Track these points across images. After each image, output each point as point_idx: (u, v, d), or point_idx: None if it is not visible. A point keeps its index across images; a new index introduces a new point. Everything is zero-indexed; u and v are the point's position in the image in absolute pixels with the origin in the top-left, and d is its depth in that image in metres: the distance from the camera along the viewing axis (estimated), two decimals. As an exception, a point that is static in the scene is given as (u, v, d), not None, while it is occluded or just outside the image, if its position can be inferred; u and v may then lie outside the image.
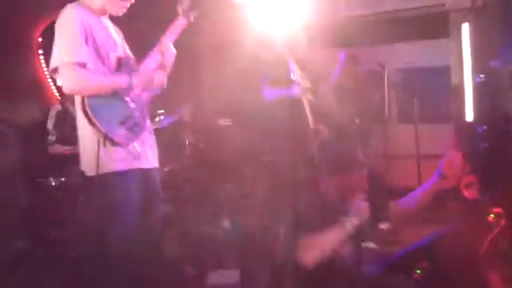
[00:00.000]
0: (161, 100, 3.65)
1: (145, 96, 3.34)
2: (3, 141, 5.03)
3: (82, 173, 4.64)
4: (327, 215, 3.20)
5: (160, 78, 3.41)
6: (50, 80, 5.94)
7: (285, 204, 4.79)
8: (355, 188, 3.27)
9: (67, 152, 5.06)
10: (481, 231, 3.42)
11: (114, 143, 3.10)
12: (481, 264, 3.38)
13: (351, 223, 3.11)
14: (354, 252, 3.23)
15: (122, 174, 3.16)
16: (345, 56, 6.70)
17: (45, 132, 5.33)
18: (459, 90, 7.54)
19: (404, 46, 7.96)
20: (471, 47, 7.46)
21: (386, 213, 3.36)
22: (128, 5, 3.34)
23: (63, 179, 4.94)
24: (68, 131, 5.02)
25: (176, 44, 3.54)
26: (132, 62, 3.44)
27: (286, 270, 3.27)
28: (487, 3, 7.35)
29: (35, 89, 5.89)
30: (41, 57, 5.98)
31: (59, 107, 5.43)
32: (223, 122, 6.65)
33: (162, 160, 3.58)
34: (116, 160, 3.13)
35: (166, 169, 5.38)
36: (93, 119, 3.05)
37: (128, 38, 3.59)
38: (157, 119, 5.28)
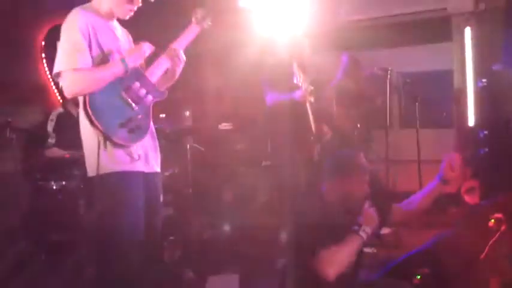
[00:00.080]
0: (163, 103, 3.65)
1: (150, 99, 3.32)
2: (6, 144, 5.04)
3: (82, 177, 4.68)
4: (329, 220, 3.20)
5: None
6: (52, 83, 5.95)
7: (287, 209, 4.80)
8: (357, 192, 3.27)
9: (67, 155, 5.06)
10: (482, 236, 3.41)
11: (114, 144, 3.10)
12: (481, 270, 3.38)
13: (365, 232, 3.11)
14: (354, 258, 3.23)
15: (121, 175, 3.16)
16: (347, 59, 6.70)
17: (47, 136, 5.33)
18: (461, 95, 7.53)
19: (407, 50, 7.95)
20: (473, 51, 7.46)
21: (388, 218, 3.36)
22: (135, 8, 3.34)
23: (63, 182, 4.95)
24: (68, 134, 5.02)
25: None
26: (139, 66, 3.44)
27: (289, 275, 3.27)
28: (489, 8, 7.35)
29: (38, 92, 5.91)
30: (44, 61, 6.00)
31: (60, 109, 5.43)
32: (222, 126, 6.65)
33: (163, 164, 3.59)
34: (115, 161, 3.13)
35: (167, 173, 5.38)
36: (94, 119, 3.06)
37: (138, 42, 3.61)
38: None
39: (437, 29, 7.72)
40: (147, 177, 3.30)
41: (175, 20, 3.57)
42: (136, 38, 3.58)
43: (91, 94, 3.09)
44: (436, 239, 3.63)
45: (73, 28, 3.12)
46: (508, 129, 6.35)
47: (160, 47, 3.47)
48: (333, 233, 3.13)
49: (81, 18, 3.15)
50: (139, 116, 3.21)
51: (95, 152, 3.10)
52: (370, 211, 3.20)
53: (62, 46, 3.13)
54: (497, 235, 3.34)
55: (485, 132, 6.58)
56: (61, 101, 5.70)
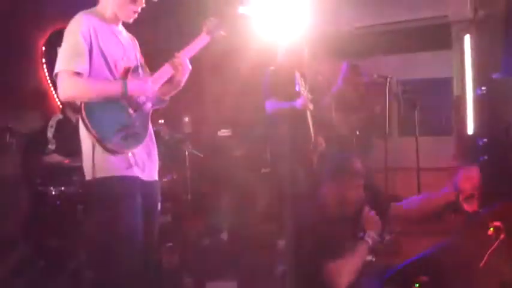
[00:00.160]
0: (162, 109, 3.65)
1: (149, 106, 3.31)
2: (6, 149, 5.04)
3: (81, 183, 4.67)
4: (328, 226, 3.20)
5: (155, 89, 3.32)
6: (52, 88, 5.96)
7: (286, 216, 4.80)
8: (352, 196, 3.28)
9: (66, 161, 5.05)
10: (481, 244, 3.41)
11: (107, 150, 3.10)
12: (480, 278, 3.38)
13: (371, 237, 3.12)
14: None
15: (117, 179, 3.15)
16: (347, 66, 6.71)
17: (47, 141, 5.33)
18: (461, 102, 7.54)
19: (406, 57, 7.97)
20: (473, 58, 7.47)
21: (387, 218, 3.37)
22: (139, 9, 3.33)
23: (62, 188, 4.94)
24: (67, 141, 5.01)
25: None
26: (141, 72, 3.43)
27: (288, 282, 3.28)
28: (489, 15, 7.36)
29: (38, 98, 5.91)
30: (45, 66, 6.00)
31: (59, 115, 5.43)
32: (221, 132, 6.65)
33: (162, 170, 3.58)
34: (110, 167, 3.13)
35: (165, 179, 5.38)
36: (89, 125, 3.05)
37: (146, 48, 3.61)
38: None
39: (437, 36, 7.73)
40: (144, 185, 3.29)
41: (183, 28, 3.57)
42: (143, 44, 3.58)
43: (88, 101, 3.10)
44: (435, 247, 3.62)
45: (75, 32, 3.13)
46: (507, 137, 6.36)
47: (167, 54, 3.45)
48: (333, 241, 3.14)
49: (84, 22, 3.16)
50: (137, 123, 3.20)
51: (90, 156, 3.10)
52: (371, 215, 3.21)
53: (62, 48, 3.14)
54: (496, 243, 3.34)
55: (485, 140, 6.59)
56: (60, 106, 5.70)
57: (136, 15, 3.36)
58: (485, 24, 7.37)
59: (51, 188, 4.96)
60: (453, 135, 7.67)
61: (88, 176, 3.17)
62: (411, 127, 6.34)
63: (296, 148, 5.15)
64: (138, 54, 3.50)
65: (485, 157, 6.36)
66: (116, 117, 3.13)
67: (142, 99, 3.26)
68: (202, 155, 5.81)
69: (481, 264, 3.30)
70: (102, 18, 3.27)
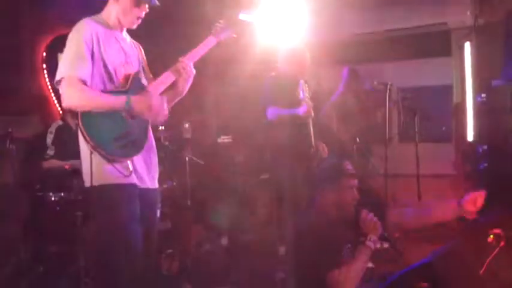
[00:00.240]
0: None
1: None
2: (6, 155, 5.04)
3: (81, 188, 4.67)
4: (327, 232, 3.20)
5: (162, 106, 3.27)
6: (53, 94, 5.96)
7: (286, 222, 4.80)
8: (347, 198, 3.29)
9: (66, 166, 5.05)
10: (481, 252, 3.40)
11: (104, 158, 3.09)
12: (480, 285, 3.37)
13: (372, 241, 3.12)
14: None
15: (115, 187, 3.15)
16: (348, 72, 6.72)
17: (46, 147, 5.33)
18: (460, 109, 7.55)
19: (407, 64, 7.99)
20: (473, 66, 7.49)
21: (384, 220, 3.37)
22: (143, 14, 3.34)
23: (62, 194, 4.94)
24: (67, 147, 5.01)
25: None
26: (143, 78, 3.42)
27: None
28: (489, 23, 7.38)
29: (39, 103, 5.91)
30: (45, 72, 6.00)
31: (59, 122, 5.43)
32: (222, 139, 6.65)
33: (162, 177, 3.57)
34: (106, 175, 3.12)
35: (165, 186, 5.37)
36: (84, 132, 3.06)
37: (148, 54, 3.61)
38: None
39: (437, 43, 7.76)
40: (143, 192, 3.28)
41: (184, 33, 3.56)
42: (148, 50, 3.58)
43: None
44: (435, 254, 3.62)
45: (78, 38, 3.14)
46: (507, 144, 6.36)
47: (170, 58, 3.44)
48: (333, 246, 3.14)
49: (87, 28, 3.17)
50: (135, 131, 3.19)
51: (88, 164, 3.10)
52: (369, 218, 3.21)
53: (66, 54, 3.15)
54: (496, 251, 3.34)
55: (485, 147, 6.59)
56: (61, 112, 5.70)
57: (139, 21, 3.36)
58: (485, 32, 7.38)
59: (51, 193, 4.95)
60: (453, 142, 7.68)
61: (87, 183, 3.17)
62: (411, 134, 6.34)
63: (296, 155, 5.14)
64: (142, 61, 3.49)
65: (485, 164, 6.36)
66: (113, 126, 3.13)
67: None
68: (202, 162, 5.80)
69: (481, 272, 3.29)
70: (106, 24, 3.28)
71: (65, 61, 3.13)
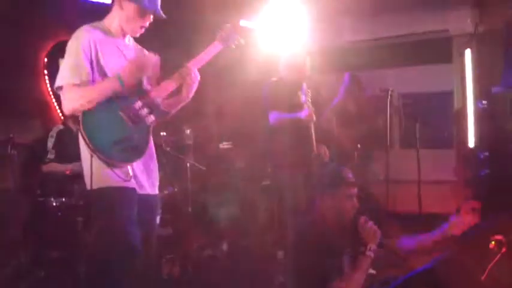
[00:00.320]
0: (164, 121, 3.63)
1: (152, 119, 3.27)
2: (7, 160, 5.04)
3: (82, 193, 4.68)
4: (326, 239, 3.20)
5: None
6: (54, 99, 5.97)
7: (286, 228, 4.80)
8: (346, 206, 3.28)
9: (67, 172, 5.05)
10: (482, 258, 3.40)
11: (104, 162, 3.09)
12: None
13: (371, 250, 3.11)
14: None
15: (114, 190, 3.14)
16: (349, 79, 6.73)
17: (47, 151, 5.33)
18: (461, 116, 7.56)
19: (408, 71, 7.99)
20: (473, 72, 7.51)
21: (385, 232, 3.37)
22: (147, 24, 3.33)
23: (63, 199, 4.94)
24: (68, 151, 5.02)
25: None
26: (145, 83, 3.40)
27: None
28: (490, 30, 7.40)
29: (40, 108, 5.92)
30: (46, 77, 6.01)
31: (60, 126, 5.44)
32: (223, 145, 6.65)
33: (163, 182, 3.57)
34: (106, 178, 3.12)
35: (166, 191, 5.37)
36: (84, 135, 3.06)
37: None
38: None
39: (438, 50, 7.77)
40: (142, 198, 3.28)
41: (189, 38, 3.55)
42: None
43: (87, 112, 3.10)
44: (435, 260, 3.61)
45: (76, 45, 3.15)
46: (507, 151, 6.36)
47: (175, 64, 3.43)
48: (332, 252, 3.13)
49: (86, 36, 3.17)
50: (136, 136, 3.19)
51: (89, 167, 3.10)
52: (369, 226, 3.21)
53: (64, 62, 3.16)
54: (498, 257, 3.33)
55: (486, 153, 6.60)
56: (62, 117, 5.71)
57: (143, 30, 3.36)
58: (486, 39, 7.41)
59: (52, 198, 4.96)
60: (454, 148, 7.68)
61: (88, 186, 3.18)
62: (412, 140, 6.34)
63: (298, 159, 5.15)
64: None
65: (486, 170, 6.36)
66: (113, 130, 3.13)
67: (145, 111, 3.24)
68: (204, 168, 5.80)
69: (483, 278, 3.28)
70: (107, 31, 3.27)
71: (64, 69, 3.14)
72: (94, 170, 3.10)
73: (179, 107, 3.51)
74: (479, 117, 7.32)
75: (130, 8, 3.25)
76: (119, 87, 3.13)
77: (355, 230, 3.25)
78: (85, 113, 3.09)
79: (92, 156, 3.07)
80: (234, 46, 3.53)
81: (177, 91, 3.43)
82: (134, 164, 3.23)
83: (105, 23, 3.31)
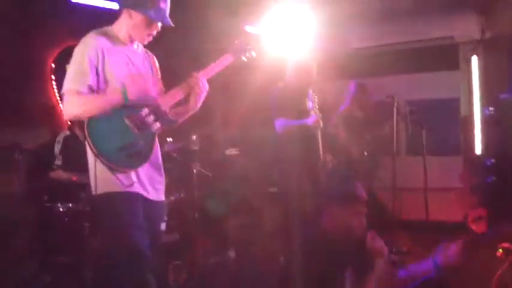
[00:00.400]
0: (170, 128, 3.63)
1: (157, 126, 3.26)
2: (14, 166, 5.06)
3: (89, 199, 4.68)
4: (333, 249, 3.19)
5: (166, 102, 3.28)
6: (61, 105, 5.99)
7: (293, 236, 4.79)
8: (354, 223, 3.26)
9: (74, 178, 5.06)
10: (490, 266, 3.40)
11: (107, 167, 3.10)
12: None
13: (380, 268, 3.10)
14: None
15: (118, 195, 3.14)
16: (356, 86, 6.72)
17: (54, 157, 5.35)
18: (468, 123, 7.55)
19: (414, 78, 8.00)
20: (480, 79, 7.51)
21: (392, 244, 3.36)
22: (154, 33, 3.34)
23: (70, 204, 4.95)
24: (74, 157, 5.03)
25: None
26: (152, 92, 3.40)
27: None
28: (496, 36, 7.40)
29: (47, 114, 5.93)
30: (54, 82, 6.04)
31: (67, 132, 5.45)
32: (229, 151, 6.65)
33: (169, 188, 3.56)
34: (110, 183, 3.12)
35: (173, 198, 5.38)
36: (89, 140, 3.07)
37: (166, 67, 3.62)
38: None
39: (444, 57, 7.78)
40: (147, 203, 3.27)
41: (192, 47, 3.55)
42: (162, 63, 3.58)
43: (92, 117, 3.11)
44: (444, 268, 3.60)
45: (82, 53, 3.15)
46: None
47: (182, 73, 3.43)
48: (337, 268, 3.13)
49: (93, 43, 3.18)
50: (141, 142, 3.19)
51: (93, 172, 3.11)
52: (376, 244, 3.19)
53: (69, 69, 3.17)
54: (506, 265, 3.33)
55: (493, 160, 6.58)
56: (69, 123, 5.72)
57: (151, 38, 3.37)
58: (493, 45, 7.41)
59: (59, 204, 4.97)
60: (461, 155, 7.67)
61: (93, 191, 3.18)
62: (419, 147, 6.34)
63: (305, 167, 5.14)
64: (154, 72, 3.49)
65: (494, 178, 6.35)
66: (118, 136, 3.13)
67: (151, 118, 3.24)
68: (210, 174, 5.80)
69: (490, 287, 3.28)
70: (115, 38, 3.28)
71: (68, 76, 3.15)
72: (98, 175, 3.11)
73: (187, 116, 3.51)
74: (486, 124, 7.31)
75: (137, 18, 3.26)
76: (122, 101, 3.13)
77: (361, 245, 3.23)
78: (90, 118, 3.10)
79: (96, 161, 3.08)
80: (245, 59, 3.53)
81: (185, 100, 3.43)
82: (139, 169, 3.23)
83: (113, 29, 3.33)
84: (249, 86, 6.22)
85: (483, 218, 6.17)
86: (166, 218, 4.90)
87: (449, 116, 7.82)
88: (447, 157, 7.68)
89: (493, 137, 7.08)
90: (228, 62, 3.48)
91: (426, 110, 6.86)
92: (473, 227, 6.26)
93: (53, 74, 6.05)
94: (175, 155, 5.55)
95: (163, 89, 3.46)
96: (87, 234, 4.78)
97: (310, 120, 5.16)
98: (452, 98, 7.84)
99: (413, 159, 7.06)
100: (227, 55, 3.48)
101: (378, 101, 6.62)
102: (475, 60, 7.56)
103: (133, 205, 3.18)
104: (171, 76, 3.53)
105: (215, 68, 3.44)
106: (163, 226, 3.49)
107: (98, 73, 3.16)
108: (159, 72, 3.57)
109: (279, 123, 5.25)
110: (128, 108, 3.17)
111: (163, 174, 3.46)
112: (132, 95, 3.13)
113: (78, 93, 3.10)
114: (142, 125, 3.19)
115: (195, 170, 5.65)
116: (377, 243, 3.18)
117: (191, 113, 3.50)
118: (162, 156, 3.48)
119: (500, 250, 3.36)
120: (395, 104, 6.12)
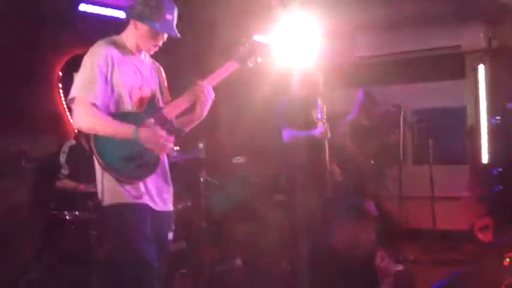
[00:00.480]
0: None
1: None
2: (21, 174, 5.07)
3: (96, 207, 4.68)
4: (340, 262, 3.19)
5: (168, 143, 3.20)
6: (68, 113, 6.00)
7: (298, 244, 4.78)
8: (364, 238, 3.25)
9: (81, 187, 5.06)
10: (497, 275, 3.38)
11: (115, 178, 3.09)
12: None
13: (390, 286, 3.10)
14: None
15: (126, 206, 3.12)
16: (363, 95, 6.72)
17: (60, 167, 5.35)
18: (475, 132, 7.54)
19: (421, 87, 7.99)
20: (487, 88, 7.50)
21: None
22: (160, 43, 3.35)
23: (77, 213, 4.95)
24: (80, 166, 5.04)
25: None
26: (160, 100, 3.40)
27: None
28: (503, 45, 7.40)
29: (54, 122, 5.94)
30: (61, 91, 6.05)
31: (72, 141, 5.45)
32: (236, 159, 6.64)
33: (176, 197, 3.56)
34: (118, 194, 3.12)
35: (180, 206, 5.37)
36: (95, 152, 3.07)
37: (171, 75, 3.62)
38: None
39: (451, 66, 7.78)
40: (154, 214, 3.26)
41: (205, 56, 3.54)
42: (169, 72, 3.58)
43: None
44: (451, 277, 3.60)
45: (91, 61, 3.15)
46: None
47: (188, 82, 3.42)
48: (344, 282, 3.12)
49: (102, 52, 3.18)
50: (148, 152, 3.18)
51: (101, 183, 3.11)
52: (384, 264, 3.18)
53: (79, 76, 3.16)
54: (513, 274, 3.31)
55: (500, 169, 6.57)
56: (76, 131, 5.73)
57: (157, 49, 3.37)
58: (499, 54, 7.40)
59: (66, 212, 4.97)
60: (468, 164, 7.65)
61: (101, 202, 3.18)
62: (425, 156, 6.33)
63: (311, 178, 5.12)
64: (161, 82, 3.49)
65: (501, 187, 6.33)
66: (124, 147, 3.10)
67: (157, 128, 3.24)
68: (217, 183, 5.80)
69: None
70: (123, 47, 3.29)
71: (78, 83, 3.14)
72: (106, 186, 3.11)
73: (193, 125, 3.51)
74: (493, 133, 7.29)
75: (143, 29, 3.27)
76: (130, 137, 3.11)
77: (368, 260, 3.22)
78: None
79: (103, 173, 3.08)
80: (251, 65, 3.52)
81: (191, 109, 3.42)
82: (147, 180, 3.23)
83: (122, 38, 3.33)
84: (256, 95, 6.23)
85: (490, 227, 6.15)
86: (174, 227, 4.89)
87: (455, 125, 7.80)
88: (454, 166, 7.65)
89: (500, 146, 7.07)
90: (232, 68, 3.44)
91: (433, 119, 6.84)
92: (480, 236, 6.24)
93: (60, 82, 6.06)
94: (182, 163, 5.55)
95: (170, 98, 3.46)
96: (94, 242, 4.78)
97: (317, 132, 5.14)
98: (458, 107, 7.83)
99: (420, 168, 7.05)
100: (232, 62, 3.45)
101: (385, 111, 6.62)
102: (481, 69, 7.55)
103: (141, 216, 3.18)
104: (179, 87, 3.52)
105: (220, 75, 3.41)
106: (171, 236, 3.45)
107: (107, 81, 3.17)
108: (166, 83, 3.57)
109: (286, 134, 5.24)
110: (134, 118, 3.17)
111: (171, 184, 3.45)
112: (142, 139, 3.10)
113: (93, 105, 3.10)
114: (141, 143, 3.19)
115: (201, 179, 5.65)
116: (385, 263, 3.18)
117: (198, 121, 3.48)
118: (169, 165, 3.48)
119: (507, 259, 3.35)
120: (402, 113, 6.11)
